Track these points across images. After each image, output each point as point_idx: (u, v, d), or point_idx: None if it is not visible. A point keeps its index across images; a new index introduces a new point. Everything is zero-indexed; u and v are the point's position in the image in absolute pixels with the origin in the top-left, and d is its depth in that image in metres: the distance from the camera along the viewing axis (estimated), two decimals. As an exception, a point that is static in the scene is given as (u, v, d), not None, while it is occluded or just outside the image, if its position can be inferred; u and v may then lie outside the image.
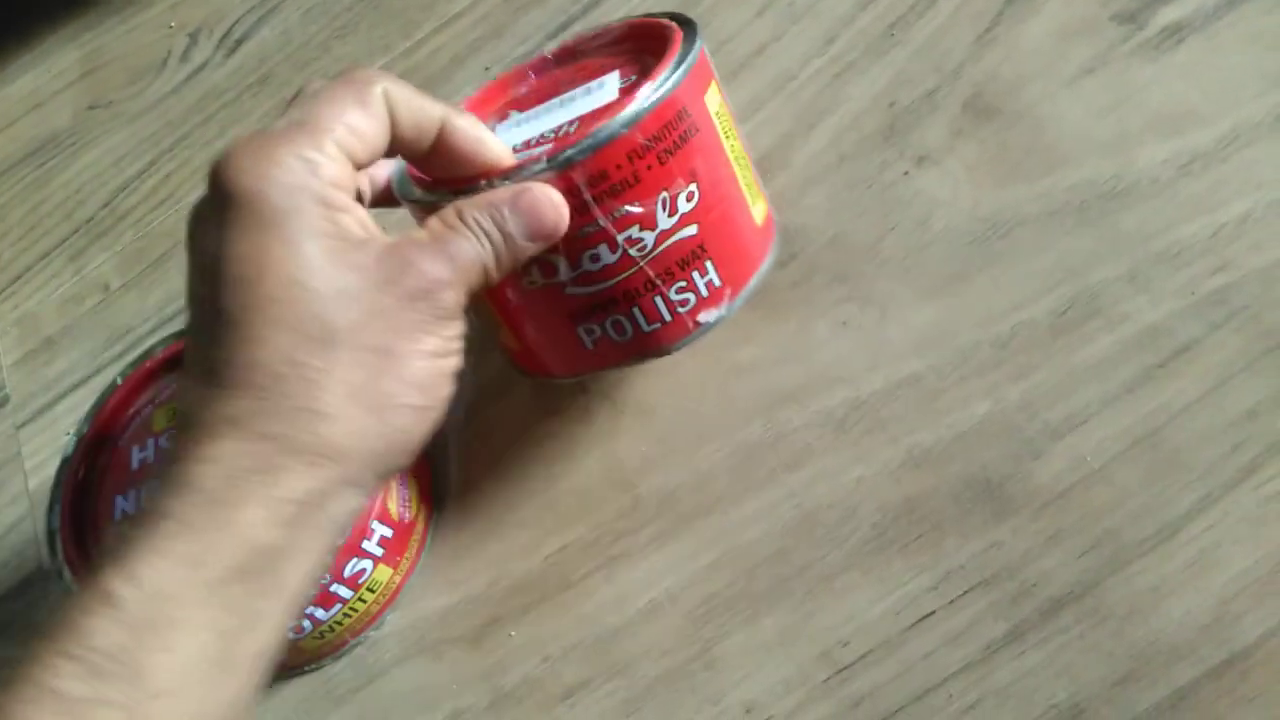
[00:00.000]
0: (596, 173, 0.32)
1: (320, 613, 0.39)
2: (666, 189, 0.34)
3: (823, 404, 0.40)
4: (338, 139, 0.29)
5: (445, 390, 0.30)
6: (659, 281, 0.35)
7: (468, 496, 0.43)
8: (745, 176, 0.37)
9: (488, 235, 0.31)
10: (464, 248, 0.30)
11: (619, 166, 0.32)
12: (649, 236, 0.34)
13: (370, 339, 0.28)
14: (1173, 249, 0.38)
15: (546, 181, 0.32)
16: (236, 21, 0.64)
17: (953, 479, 0.37)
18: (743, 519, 0.39)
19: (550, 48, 0.42)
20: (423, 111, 0.31)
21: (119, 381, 0.44)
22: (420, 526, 0.42)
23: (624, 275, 0.35)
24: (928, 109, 0.44)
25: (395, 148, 0.31)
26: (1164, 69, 0.42)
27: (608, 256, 0.34)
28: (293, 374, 0.27)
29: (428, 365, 0.29)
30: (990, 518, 0.36)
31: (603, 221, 0.33)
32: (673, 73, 0.34)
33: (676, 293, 0.35)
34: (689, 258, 0.35)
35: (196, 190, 0.59)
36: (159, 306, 0.55)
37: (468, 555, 0.42)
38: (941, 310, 0.40)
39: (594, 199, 0.33)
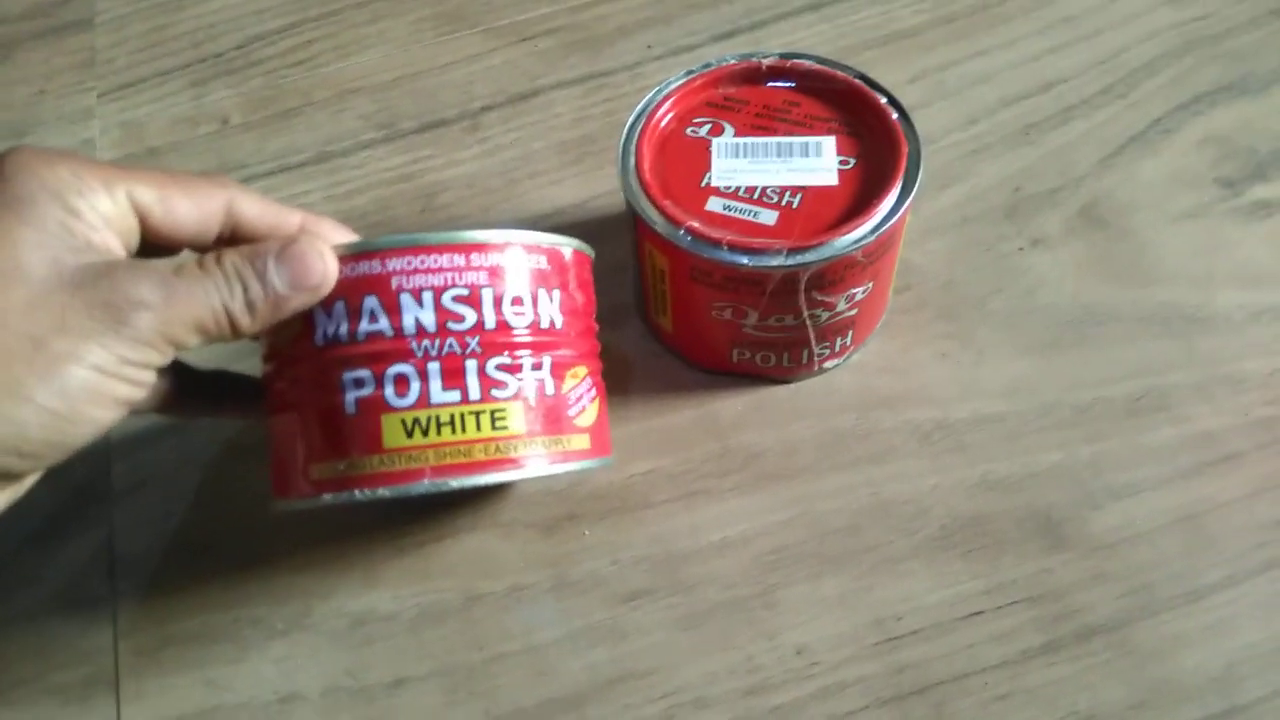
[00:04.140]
0: (817, 274, 0.39)
1: (437, 387, 0.33)
2: (855, 288, 0.41)
3: (912, 416, 0.44)
4: (136, 194, 0.31)
5: (96, 411, 0.29)
6: (816, 341, 0.43)
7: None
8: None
9: (241, 281, 0.31)
10: (195, 287, 0.31)
11: (834, 270, 0.39)
12: (825, 315, 0.42)
13: (22, 325, 0.28)
14: (1236, 376, 0.44)
15: (774, 272, 0.38)
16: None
17: (1019, 507, 0.41)
18: (822, 491, 0.43)
19: (767, 58, 0.45)
20: (277, 218, 0.35)
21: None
22: (577, 446, 0.36)
23: (795, 334, 0.42)
24: (1049, 204, 0.50)
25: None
26: (1251, 234, 0.49)
27: (790, 321, 0.42)
28: None
29: (84, 374, 0.28)
30: (1046, 547, 0.40)
31: (800, 302, 0.40)
32: (901, 200, 0.40)
33: (821, 349, 0.44)
34: (842, 328, 0.43)
35: (336, 63, 0.62)
36: (279, 154, 0.57)
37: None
38: (1033, 368, 0.45)
39: (804, 288, 0.40)
